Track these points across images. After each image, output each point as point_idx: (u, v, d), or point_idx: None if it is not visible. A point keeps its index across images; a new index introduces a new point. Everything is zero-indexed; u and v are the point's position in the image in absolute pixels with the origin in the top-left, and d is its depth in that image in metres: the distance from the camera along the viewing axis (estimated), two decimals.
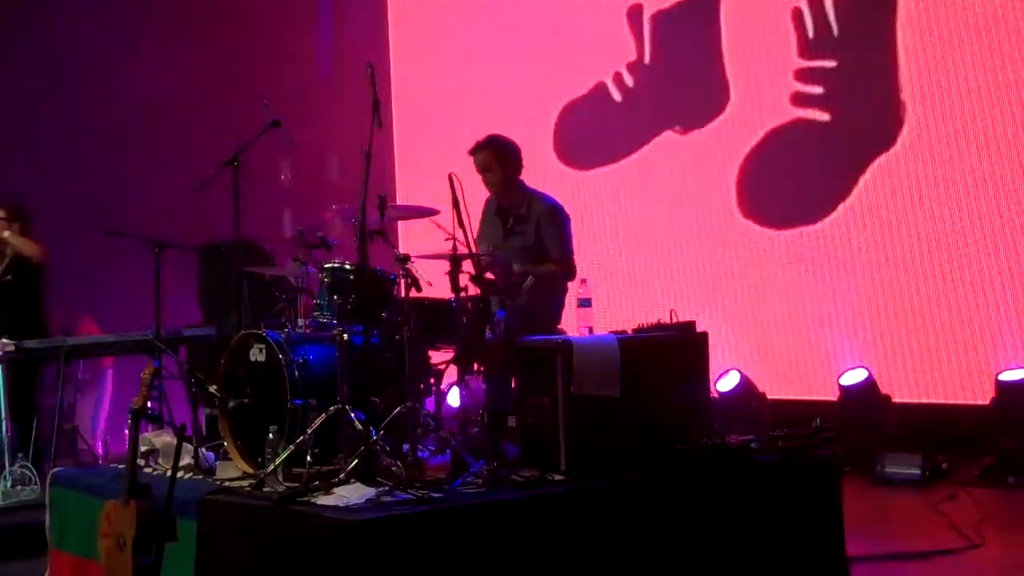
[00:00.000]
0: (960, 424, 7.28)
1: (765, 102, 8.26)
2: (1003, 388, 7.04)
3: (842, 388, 7.62)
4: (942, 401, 7.44)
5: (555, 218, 5.85)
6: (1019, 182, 7.18)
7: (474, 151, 5.89)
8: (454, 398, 5.04)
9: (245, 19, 9.87)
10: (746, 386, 8.02)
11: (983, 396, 7.20)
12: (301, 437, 4.49)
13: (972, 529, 5.67)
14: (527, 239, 5.81)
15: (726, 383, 8.01)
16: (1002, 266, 7.22)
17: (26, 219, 7.40)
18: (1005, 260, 7.21)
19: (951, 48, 7.44)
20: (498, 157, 5.85)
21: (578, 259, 5.96)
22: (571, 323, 5.57)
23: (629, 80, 8.98)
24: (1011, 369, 7.07)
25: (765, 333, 8.23)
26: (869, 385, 7.57)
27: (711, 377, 5.39)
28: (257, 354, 4.84)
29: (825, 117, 7.97)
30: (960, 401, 7.38)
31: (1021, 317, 7.17)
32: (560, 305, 5.86)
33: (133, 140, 9.34)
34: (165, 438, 5.16)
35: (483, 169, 5.87)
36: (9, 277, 7.26)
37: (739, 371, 8.06)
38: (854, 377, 7.62)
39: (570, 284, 5.89)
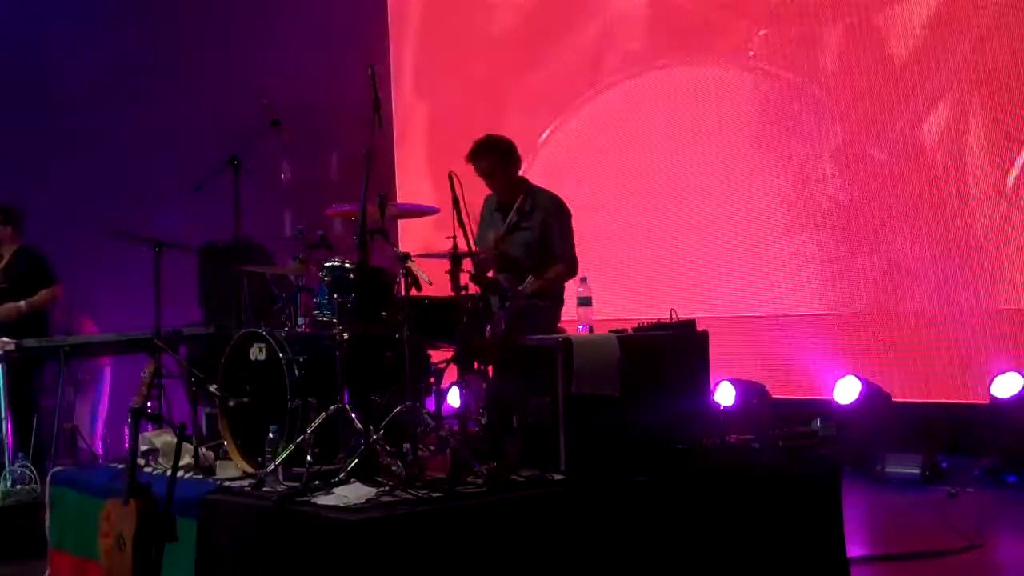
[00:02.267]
0: (960, 424, 7.28)
1: (767, 102, 8.28)
2: (996, 402, 7.03)
3: (837, 402, 7.58)
4: (942, 401, 7.44)
5: (560, 213, 5.80)
6: (1018, 182, 7.18)
7: (472, 158, 5.76)
8: (454, 398, 5.04)
9: (246, 19, 9.86)
10: (744, 390, 7.94)
11: (983, 396, 7.19)
12: (301, 437, 4.49)
13: (972, 529, 5.67)
14: (532, 234, 5.75)
15: (723, 396, 7.89)
16: (1002, 264, 7.22)
17: (19, 219, 7.40)
18: (1005, 258, 7.21)
19: (948, 49, 7.45)
20: (498, 159, 5.78)
21: (578, 257, 5.92)
22: (571, 322, 5.57)
23: None
24: (1005, 373, 7.05)
25: (765, 332, 8.22)
26: (865, 394, 7.53)
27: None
28: (257, 353, 4.84)
29: None
30: (960, 401, 7.38)
31: (1021, 316, 7.17)
32: (560, 304, 5.85)
33: (134, 140, 9.33)
34: (165, 438, 5.15)
35: (486, 175, 5.79)
36: (5, 285, 7.26)
37: (731, 381, 7.96)
38: (847, 393, 7.57)
39: (570, 282, 5.85)
